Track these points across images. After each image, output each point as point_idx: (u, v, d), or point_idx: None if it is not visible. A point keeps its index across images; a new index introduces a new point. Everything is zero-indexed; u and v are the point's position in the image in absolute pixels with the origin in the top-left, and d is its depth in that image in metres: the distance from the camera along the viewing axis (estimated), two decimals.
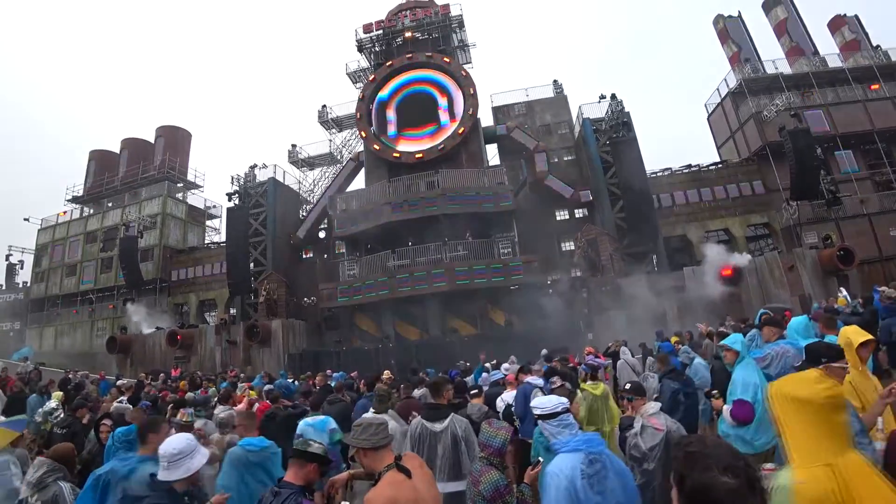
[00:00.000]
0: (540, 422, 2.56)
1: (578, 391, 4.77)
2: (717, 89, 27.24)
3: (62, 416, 6.00)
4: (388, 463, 2.30)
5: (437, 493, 2.46)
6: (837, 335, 4.03)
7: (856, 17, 34.91)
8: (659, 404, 3.71)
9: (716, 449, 1.24)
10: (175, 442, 2.64)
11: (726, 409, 3.57)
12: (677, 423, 3.60)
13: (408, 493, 2.19)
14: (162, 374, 14.37)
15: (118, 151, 35.16)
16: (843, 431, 1.65)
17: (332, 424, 4.90)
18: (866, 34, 33.71)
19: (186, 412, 4.24)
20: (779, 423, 1.74)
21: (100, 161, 34.89)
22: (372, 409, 4.68)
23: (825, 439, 1.60)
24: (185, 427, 4.17)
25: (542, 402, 2.59)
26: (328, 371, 12.81)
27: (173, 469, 2.55)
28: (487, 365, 9.77)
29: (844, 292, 13.47)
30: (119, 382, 11.60)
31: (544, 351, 10.08)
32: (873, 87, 24.38)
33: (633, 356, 9.16)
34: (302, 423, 4.99)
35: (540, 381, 5.80)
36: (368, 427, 2.36)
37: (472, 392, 5.83)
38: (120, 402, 7.03)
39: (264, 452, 3.52)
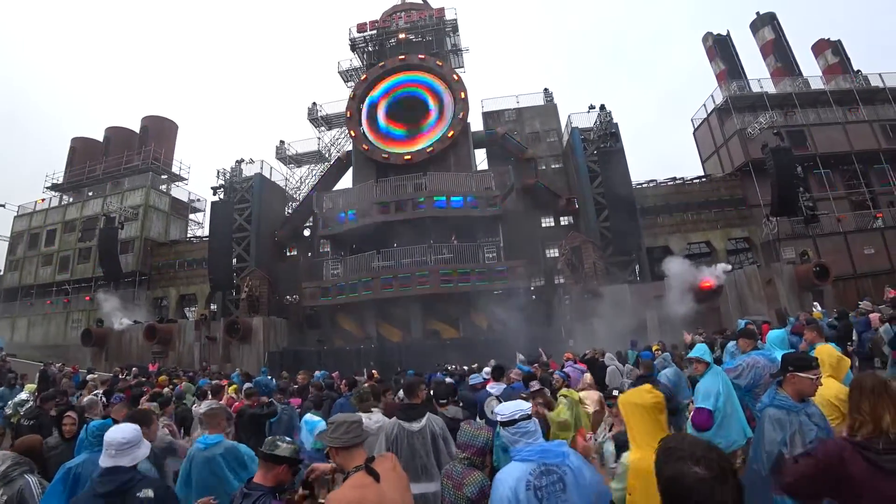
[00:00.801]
0: (500, 428, 2.47)
1: (563, 397, 4.80)
2: (704, 105, 27.82)
3: (31, 407, 5.84)
4: (357, 463, 2.24)
5: (409, 498, 2.38)
6: (824, 342, 4.19)
7: (839, 41, 35.95)
8: None
9: (691, 443, 1.33)
10: (123, 431, 2.58)
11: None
12: None
13: (371, 497, 2.12)
14: (135, 369, 14.06)
15: (101, 140, 34.48)
16: (664, 425, 2.37)
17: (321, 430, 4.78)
18: (848, 59, 34.72)
19: (151, 406, 4.17)
20: (625, 421, 2.47)
21: (82, 149, 34.14)
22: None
23: (652, 430, 2.27)
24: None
25: (501, 409, 2.50)
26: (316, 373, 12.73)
27: (120, 457, 2.49)
28: (465, 368, 9.84)
29: (819, 307, 13.83)
30: (89, 377, 11.31)
31: (521, 356, 10.14)
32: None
33: (619, 362, 9.26)
34: (302, 421, 4.91)
35: (499, 389, 5.81)
36: (341, 426, 2.31)
37: (440, 401, 5.64)
38: (95, 394, 6.89)
39: (207, 451, 3.50)
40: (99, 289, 26.88)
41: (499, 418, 2.45)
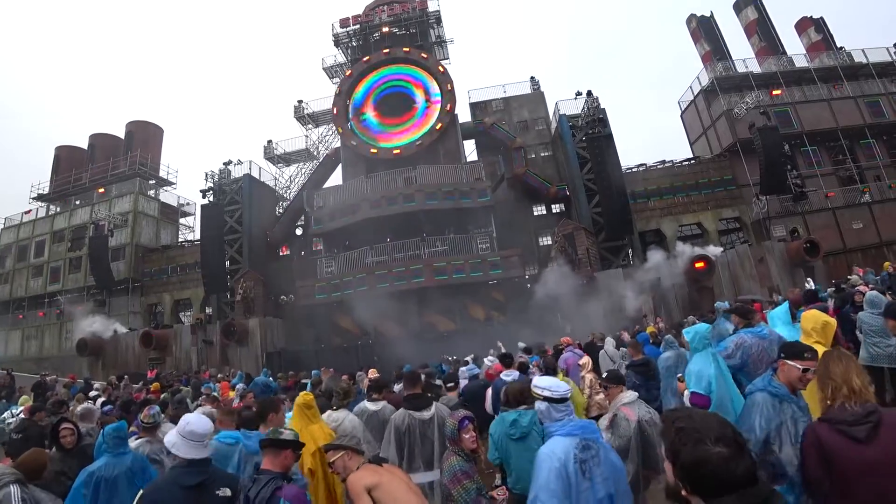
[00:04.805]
0: (541, 403, 2.54)
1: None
2: (690, 87, 27.80)
3: (18, 420, 5.76)
4: (362, 462, 2.63)
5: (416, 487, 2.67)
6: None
7: (821, 19, 36.01)
8: (636, 394, 3.74)
9: (704, 421, 1.27)
10: (203, 421, 2.62)
11: (687, 394, 3.64)
12: (652, 411, 3.63)
13: (385, 475, 2.51)
14: (126, 377, 14.12)
15: (86, 147, 34.06)
16: (311, 415, 3.77)
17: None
18: (831, 36, 34.80)
19: (150, 412, 4.14)
20: None
21: (66, 157, 33.67)
22: (333, 406, 4.54)
23: (300, 417, 3.71)
24: (151, 427, 4.10)
25: (550, 385, 2.56)
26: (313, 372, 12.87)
27: (202, 449, 2.56)
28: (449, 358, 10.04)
29: (811, 282, 13.98)
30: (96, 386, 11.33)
31: (521, 344, 10.19)
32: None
33: (614, 347, 9.31)
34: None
35: (514, 375, 5.90)
36: (352, 438, 2.87)
37: (448, 385, 5.95)
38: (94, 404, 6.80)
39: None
40: (92, 297, 26.70)
41: (545, 393, 2.54)
